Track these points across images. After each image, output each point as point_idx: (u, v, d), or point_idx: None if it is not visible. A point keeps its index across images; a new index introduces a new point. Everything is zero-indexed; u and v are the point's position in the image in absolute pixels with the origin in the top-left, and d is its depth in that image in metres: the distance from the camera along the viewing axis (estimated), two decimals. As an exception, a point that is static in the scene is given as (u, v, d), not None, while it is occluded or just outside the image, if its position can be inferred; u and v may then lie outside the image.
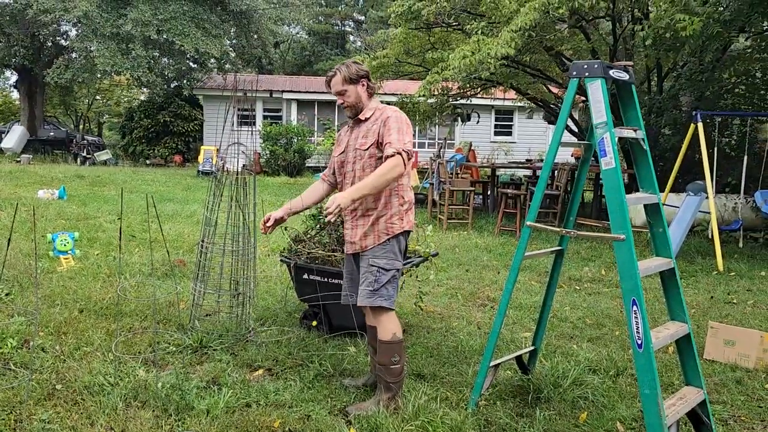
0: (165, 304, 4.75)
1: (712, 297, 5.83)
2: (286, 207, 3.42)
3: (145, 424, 2.87)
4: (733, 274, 6.88)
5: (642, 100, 11.39)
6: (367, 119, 3.19)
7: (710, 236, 7.96)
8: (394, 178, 2.97)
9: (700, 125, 8.02)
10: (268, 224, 3.37)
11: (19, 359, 3.52)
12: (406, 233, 3.21)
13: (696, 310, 5.34)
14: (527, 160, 17.92)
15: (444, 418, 2.98)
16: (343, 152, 3.28)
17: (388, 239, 3.10)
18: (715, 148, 8.81)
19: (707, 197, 7.75)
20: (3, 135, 22.96)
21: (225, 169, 4.31)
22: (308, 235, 4.50)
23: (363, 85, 3.20)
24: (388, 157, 2.99)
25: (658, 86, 11.71)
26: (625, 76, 2.94)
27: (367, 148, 3.12)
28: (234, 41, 24.21)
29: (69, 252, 5.92)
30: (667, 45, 8.95)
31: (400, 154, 2.97)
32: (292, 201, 3.45)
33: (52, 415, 2.91)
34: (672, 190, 9.05)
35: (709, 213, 7.80)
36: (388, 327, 3.11)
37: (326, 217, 2.86)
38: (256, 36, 24.03)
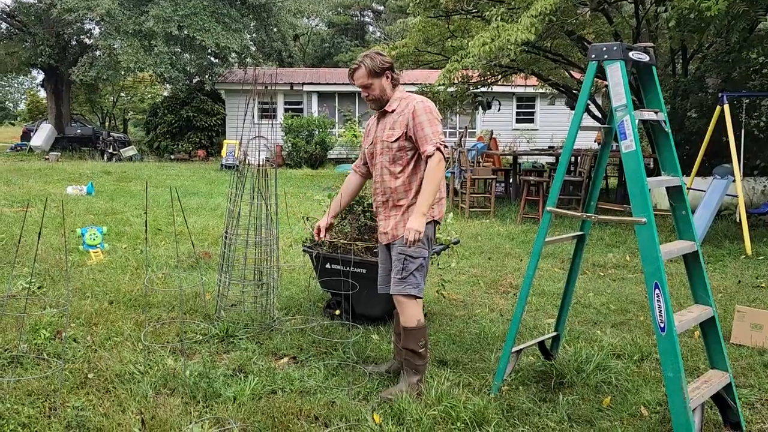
0: (191, 295, 4.84)
1: (739, 281, 5.74)
2: (329, 213, 3.53)
3: (174, 411, 2.95)
4: (761, 258, 6.75)
5: (667, 83, 11.18)
6: (393, 111, 3.17)
7: (738, 220, 7.81)
8: (442, 176, 3.04)
9: (726, 107, 7.86)
10: (321, 234, 3.51)
11: (52, 350, 3.62)
12: (435, 223, 3.24)
13: (723, 295, 5.27)
14: (549, 147, 17.74)
15: (467, 404, 3.00)
16: (372, 144, 3.29)
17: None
18: (743, 130, 8.62)
19: (734, 180, 7.61)
20: (32, 133, 23.48)
21: (247, 162, 4.37)
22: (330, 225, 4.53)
23: (387, 77, 3.16)
24: (428, 156, 3.02)
25: (683, 68, 11.48)
26: (645, 58, 2.91)
27: (395, 140, 3.11)
28: (254, 35, 24.32)
29: (98, 246, 6.06)
30: (691, 26, 8.76)
31: (438, 149, 3.02)
32: (332, 204, 3.54)
33: (84, 402, 3.00)
34: (698, 174, 8.91)
35: (736, 196, 7.66)
36: (413, 314, 3.15)
37: (410, 246, 3.00)
38: (275, 29, 24.12)
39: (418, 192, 3.10)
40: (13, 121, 51.67)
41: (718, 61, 10.40)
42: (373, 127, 3.31)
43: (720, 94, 8.20)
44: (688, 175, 8.89)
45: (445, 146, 3.09)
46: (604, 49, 2.84)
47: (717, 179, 7.89)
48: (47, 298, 4.61)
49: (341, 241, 4.29)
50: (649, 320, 4.50)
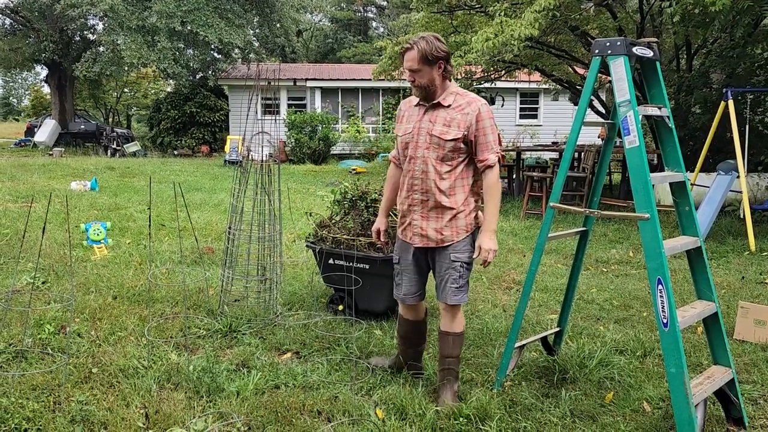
0: (195, 290, 4.86)
1: (743, 277, 5.73)
2: (382, 213, 3.34)
3: (178, 405, 2.96)
4: (765, 254, 6.74)
5: (671, 78, 11.15)
6: (449, 106, 2.92)
7: (742, 216, 7.80)
8: (500, 189, 2.96)
9: (730, 102, 7.84)
10: (381, 237, 3.35)
11: (56, 344, 3.64)
12: (479, 228, 3.10)
13: (727, 291, 5.26)
14: (553, 142, 17.72)
15: (469, 399, 3.01)
16: (410, 132, 3.01)
17: (468, 235, 2.99)
18: (747, 126, 8.59)
19: (738, 176, 7.59)
20: (36, 129, 23.54)
21: (250, 157, 4.37)
22: (333, 221, 4.54)
23: (440, 67, 2.89)
24: (490, 166, 2.90)
25: (688, 64, 11.44)
26: (649, 53, 2.90)
27: (450, 140, 2.88)
28: (257, 31, 24.33)
29: (102, 241, 6.07)
30: (695, 21, 8.73)
31: (499, 160, 2.92)
32: (382, 205, 3.35)
33: (88, 396, 3.02)
34: (702, 170, 8.88)
35: (740, 192, 7.64)
36: (463, 321, 3.11)
37: (485, 265, 2.90)
38: (278, 25, 24.12)
39: (466, 200, 2.96)
40: (17, 117, 51.84)
41: (723, 56, 10.36)
42: (415, 115, 3.02)
43: (724, 90, 8.17)
44: (692, 171, 8.87)
45: (503, 155, 3.00)
46: (608, 44, 2.83)
47: (721, 175, 7.87)
48: (51, 293, 4.63)
49: (344, 236, 4.30)
50: (652, 316, 4.49)
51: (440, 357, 3.11)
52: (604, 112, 12.50)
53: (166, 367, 3.36)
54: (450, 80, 2.97)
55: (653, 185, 2.71)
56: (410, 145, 2.99)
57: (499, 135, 3.02)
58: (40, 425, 2.74)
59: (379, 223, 3.33)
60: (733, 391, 2.90)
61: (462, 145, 2.90)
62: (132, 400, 3.00)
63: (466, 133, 2.88)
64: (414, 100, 3.06)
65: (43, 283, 4.89)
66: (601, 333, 4.11)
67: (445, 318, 3.09)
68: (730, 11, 8.03)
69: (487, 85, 14.37)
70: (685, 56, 11.60)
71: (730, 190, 7.89)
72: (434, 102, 2.94)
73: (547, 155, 16.37)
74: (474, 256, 2.95)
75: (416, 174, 2.97)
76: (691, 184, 8.55)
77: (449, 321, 3.07)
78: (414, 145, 2.98)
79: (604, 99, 14.10)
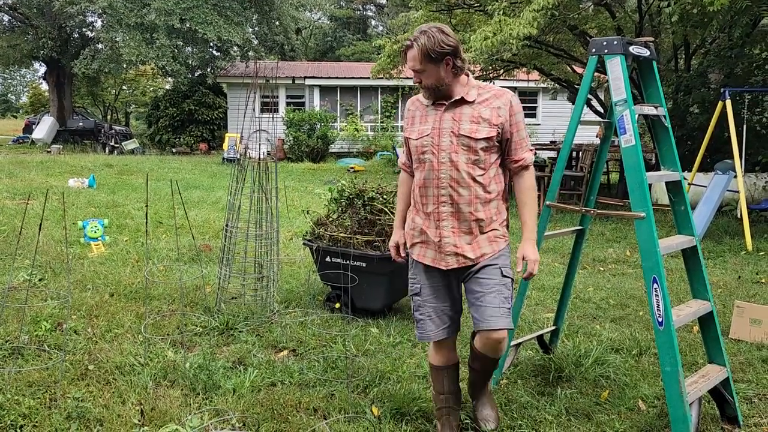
0: (192, 287, 4.86)
1: (739, 277, 5.75)
2: (399, 225, 2.84)
3: (174, 402, 2.97)
4: (762, 253, 6.75)
5: (669, 78, 11.15)
6: (474, 101, 2.52)
7: (739, 216, 7.82)
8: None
9: (728, 102, 7.85)
10: (401, 253, 2.85)
11: (53, 341, 3.64)
12: None
13: (723, 290, 5.27)
14: (551, 141, 17.72)
15: (466, 396, 3.02)
16: (428, 134, 2.56)
17: (507, 245, 2.64)
18: (744, 126, 8.61)
19: (736, 176, 7.61)
20: (34, 126, 23.49)
21: (247, 155, 4.37)
22: (330, 219, 4.55)
23: (448, 64, 2.47)
24: (526, 167, 2.59)
25: (686, 64, 11.46)
26: (645, 53, 2.90)
27: (483, 138, 2.48)
28: (256, 28, 24.31)
29: (99, 238, 6.07)
30: (694, 21, 8.73)
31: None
32: (396, 217, 2.87)
33: (85, 393, 3.02)
34: (700, 170, 8.90)
35: (737, 192, 7.66)
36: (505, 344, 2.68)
37: (528, 278, 2.61)
38: (277, 23, 24.10)
39: (498, 207, 2.58)
40: (15, 114, 51.75)
41: (721, 56, 10.37)
42: (431, 116, 2.58)
43: (722, 90, 8.18)
44: (690, 170, 8.88)
45: (535, 153, 2.63)
46: (605, 43, 2.83)
47: (718, 175, 7.88)
48: (48, 290, 4.63)
49: (341, 234, 4.30)
50: (648, 315, 4.50)
51: (471, 369, 2.80)
52: (602, 111, 12.51)
53: (162, 364, 3.37)
54: (467, 74, 2.56)
55: (650, 184, 2.72)
56: (430, 149, 2.54)
57: None
58: (36, 422, 2.75)
59: (397, 236, 2.84)
60: (728, 389, 2.91)
61: (495, 144, 2.52)
62: (128, 397, 3.00)
63: (500, 130, 2.50)
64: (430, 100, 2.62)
65: (40, 280, 4.88)
66: (597, 332, 4.12)
67: (488, 343, 2.59)
68: (729, 11, 8.04)
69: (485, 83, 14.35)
70: (683, 56, 11.62)
71: (728, 190, 7.90)
72: (457, 98, 2.53)
73: (545, 154, 16.37)
74: (518, 269, 2.58)
75: (443, 182, 2.51)
76: (689, 184, 8.58)
77: (493, 348, 2.60)
78: (435, 148, 2.52)
79: (602, 98, 14.11)
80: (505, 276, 2.55)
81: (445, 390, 2.73)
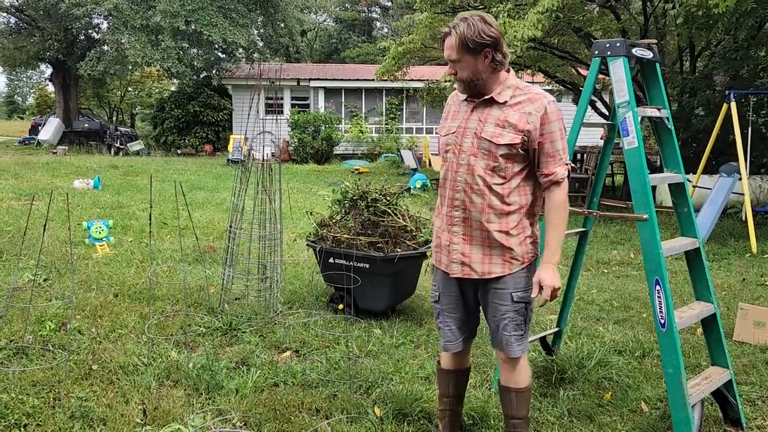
0: (195, 288, 4.87)
1: (744, 279, 5.73)
2: None
3: (177, 402, 2.98)
4: (766, 256, 6.73)
5: (675, 80, 11.13)
6: (505, 102, 2.33)
7: (744, 218, 7.79)
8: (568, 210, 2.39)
9: (733, 104, 7.83)
10: None
11: (57, 341, 3.66)
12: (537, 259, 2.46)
13: (727, 292, 5.26)
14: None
15: (468, 398, 3.02)
16: (454, 133, 2.42)
17: (524, 267, 2.39)
18: (750, 128, 8.58)
19: (740, 178, 7.58)
20: (40, 127, 23.61)
21: (251, 156, 4.39)
22: (333, 220, 4.56)
23: (486, 56, 2.27)
24: (557, 182, 2.31)
25: (691, 66, 11.43)
26: (648, 55, 2.90)
27: (504, 144, 2.29)
28: (261, 30, 24.37)
29: (104, 239, 6.10)
30: (699, 23, 8.72)
31: (568, 174, 2.37)
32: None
33: (88, 393, 3.04)
34: (705, 172, 8.87)
35: (742, 194, 7.64)
36: (527, 372, 2.51)
37: (543, 305, 2.35)
38: (282, 25, 24.16)
39: (520, 221, 2.35)
40: (21, 115, 52.01)
41: (726, 58, 10.35)
42: (462, 112, 2.43)
43: (727, 92, 8.16)
44: (695, 172, 8.86)
45: (573, 168, 2.57)
46: (608, 45, 2.84)
47: (723, 177, 7.87)
48: (53, 291, 4.65)
49: (344, 235, 4.31)
50: (652, 317, 4.49)
51: (504, 417, 2.57)
52: (607, 113, 12.48)
53: (165, 364, 3.38)
54: (507, 71, 2.37)
55: (653, 186, 2.72)
56: (452, 148, 2.41)
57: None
58: (40, 421, 2.76)
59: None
60: (731, 392, 2.90)
61: (520, 153, 2.30)
62: (131, 397, 3.01)
63: (525, 138, 2.28)
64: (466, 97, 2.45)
65: (44, 280, 4.91)
66: (600, 333, 4.11)
67: (504, 370, 2.49)
68: (734, 13, 8.02)
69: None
70: (688, 58, 11.59)
71: (733, 192, 7.88)
72: (486, 97, 2.36)
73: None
74: (533, 295, 2.35)
75: (458, 186, 2.38)
76: (694, 186, 8.56)
77: (510, 373, 2.47)
78: (457, 148, 2.39)
79: (607, 100, 14.09)
80: (516, 302, 2.37)
81: (450, 393, 2.67)
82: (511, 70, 2.38)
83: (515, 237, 2.35)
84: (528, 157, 2.33)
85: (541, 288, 2.30)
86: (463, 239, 2.39)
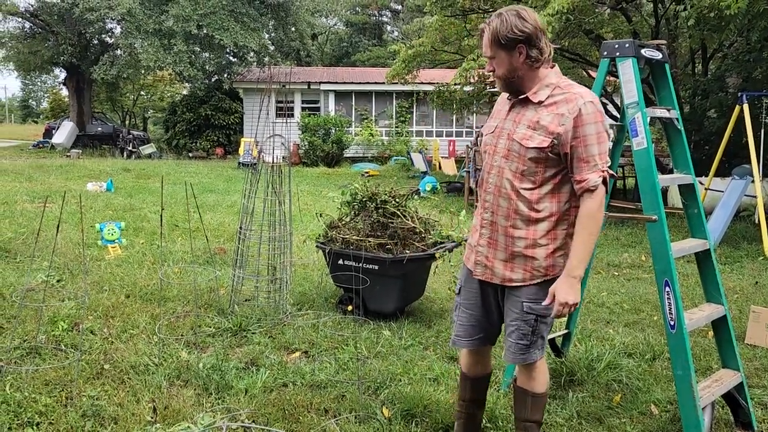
0: (206, 289, 4.91)
1: (756, 282, 5.68)
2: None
3: (187, 402, 3.00)
4: (780, 259, 6.67)
5: (687, 82, 11.07)
6: (540, 102, 2.23)
7: (756, 221, 7.72)
8: (602, 219, 2.20)
9: (745, 106, 7.77)
10: None
11: (69, 341, 3.70)
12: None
13: (739, 296, 5.22)
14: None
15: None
16: (492, 133, 2.38)
17: (546, 280, 2.27)
18: (763, 131, 8.51)
19: (753, 181, 7.52)
20: (54, 131, 23.85)
21: (261, 158, 4.42)
22: (343, 222, 4.57)
23: (521, 53, 2.19)
24: (589, 190, 2.15)
25: (703, 68, 11.36)
26: (657, 55, 2.90)
27: (533, 148, 2.20)
28: (272, 34, 24.49)
29: (116, 241, 6.15)
30: (711, 25, 8.67)
31: (605, 182, 2.19)
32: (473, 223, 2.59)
33: (100, 392, 3.07)
34: (717, 174, 8.80)
35: (755, 197, 7.57)
36: (544, 378, 2.46)
37: (557, 316, 2.23)
38: (293, 28, 24.27)
39: (551, 230, 2.24)
40: (36, 119, 52.57)
41: (739, 60, 10.27)
42: (502, 112, 2.37)
43: (739, 94, 8.10)
44: (707, 175, 8.79)
45: (612, 175, 2.27)
46: (617, 46, 2.84)
47: (735, 180, 7.81)
48: (66, 291, 4.70)
49: (354, 237, 4.32)
50: (662, 320, 4.46)
51: (515, 419, 2.53)
52: (618, 115, 12.45)
53: (176, 364, 3.41)
54: (549, 67, 2.26)
55: (664, 188, 2.71)
56: (488, 149, 2.36)
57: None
58: (52, 419, 2.79)
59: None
60: (742, 394, 2.88)
61: (550, 155, 2.19)
62: (142, 396, 3.04)
63: (555, 141, 2.16)
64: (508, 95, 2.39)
65: (57, 281, 4.96)
66: (610, 336, 4.09)
67: (520, 373, 2.47)
68: (746, 15, 7.97)
69: (500, 88, 14.33)
70: (700, 60, 11.52)
71: (745, 195, 7.82)
72: (522, 96, 2.27)
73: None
74: (544, 303, 2.23)
75: (489, 187, 2.33)
76: (706, 189, 8.49)
77: (525, 377, 2.44)
78: (492, 149, 2.34)
79: (618, 103, 14.02)
80: (527, 312, 2.28)
81: (467, 398, 2.62)
82: (556, 67, 2.29)
83: (542, 248, 2.24)
84: (562, 161, 2.20)
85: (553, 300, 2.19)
86: (488, 242, 2.34)
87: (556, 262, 2.25)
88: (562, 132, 2.15)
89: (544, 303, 2.23)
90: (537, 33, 2.18)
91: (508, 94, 2.35)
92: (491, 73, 2.30)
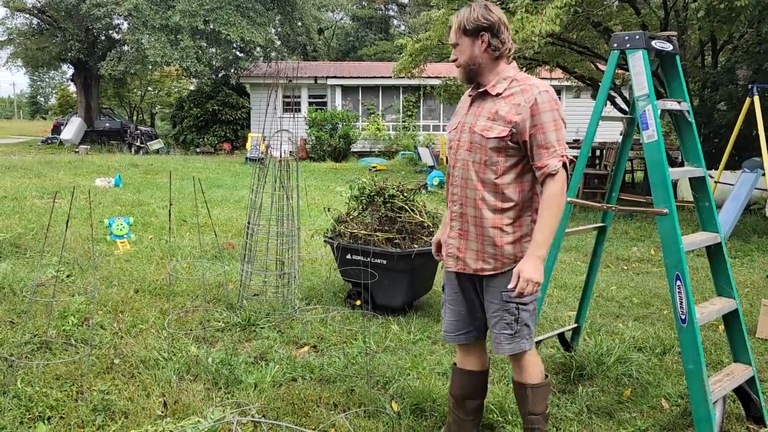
0: (214, 284, 4.92)
1: (767, 276, 5.63)
2: (444, 225, 2.58)
3: (197, 396, 3.01)
4: (791, 252, 6.62)
5: (696, 74, 10.97)
6: (498, 94, 2.29)
7: (767, 214, 7.66)
8: (564, 202, 2.25)
9: (756, 99, 7.69)
10: (442, 252, 2.55)
11: (79, 335, 3.72)
12: None
13: (750, 289, 5.18)
14: (575, 140, 17.56)
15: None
16: (455, 129, 2.42)
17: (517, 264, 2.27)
18: (773, 123, 8.42)
19: (764, 174, 7.46)
20: (62, 127, 23.96)
21: (269, 153, 4.42)
22: (351, 216, 4.57)
23: (483, 41, 2.26)
24: (550, 175, 2.19)
25: (713, 60, 11.25)
26: (668, 47, 2.87)
27: (494, 138, 2.24)
28: (279, 29, 24.48)
29: (125, 236, 6.17)
30: (721, 16, 8.57)
31: (565, 166, 2.23)
32: (445, 215, 2.57)
33: (110, 386, 3.08)
34: (727, 167, 8.73)
35: (765, 190, 7.51)
36: (536, 369, 2.45)
37: (522, 296, 2.21)
38: (300, 23, 24.24)
39: (517, 218, 2.29)
40: (44, 115, 52.84)
41: (749, 52, 10.17)
42: (464, 108, 2.43)
43: (750, 86, 8.02)
44: (717, 168, 8.73)
45: (572, 160, 2.30)
46: (627, 38, 2.81)
47: (746, 173, 7.74)
48: (75, 286, 4.73)
49: (362, 231, 4.32)
50: (672, 313, 4.44)
51: (522, 415, 2.54)
52: (627, 109, 12.35)
53: (185, 359, 3.42)
54: (508, 61, 2.33)
55: (675, 182, 2.68)
56: (453, 144, 2.41)
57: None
58: (63, 413, 2.81)
59: (438, 233, 2.63)
60: (754, 389, 2.86)
61: (510, 144, 2.24)
62: (152, 391, 3.05)
63: (514, 130, 2.22)
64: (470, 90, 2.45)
65: (67, 276, 4.99)
66: (620, 330, 4.07)
67: (513, 367, 2.50)
68: (756, 6, 7.89)
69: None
70: (710, 52, 11.41)
71: (756, 188, 7.75)
72: (482, 90, 2.34)
73: (569, 153, 16.21)
74: (510, 286, 2.22)
75: (455, 180, 2.38)
76: (716, 182, 8.42)
77: (518, 370, 2.46)
78: (455, 144, 2.39)
79: (627, 96, 13.93)
80: (506, 301, 2.31)
81: (453, 392, 2.59)
82: (513, 63, 2.36)
83: (509, 235, 2.29)
84: (522, 150, 2.26)
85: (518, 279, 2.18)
86: (459, 234, 2.38)
87: (524, 249, 2.29)
88: (519, 121, 2.21)
89: (510, 285, 2.22)
90: (500, 25, 2.26)
91: (469, 91, 2.43)
92: (454, 62, 2.36)
